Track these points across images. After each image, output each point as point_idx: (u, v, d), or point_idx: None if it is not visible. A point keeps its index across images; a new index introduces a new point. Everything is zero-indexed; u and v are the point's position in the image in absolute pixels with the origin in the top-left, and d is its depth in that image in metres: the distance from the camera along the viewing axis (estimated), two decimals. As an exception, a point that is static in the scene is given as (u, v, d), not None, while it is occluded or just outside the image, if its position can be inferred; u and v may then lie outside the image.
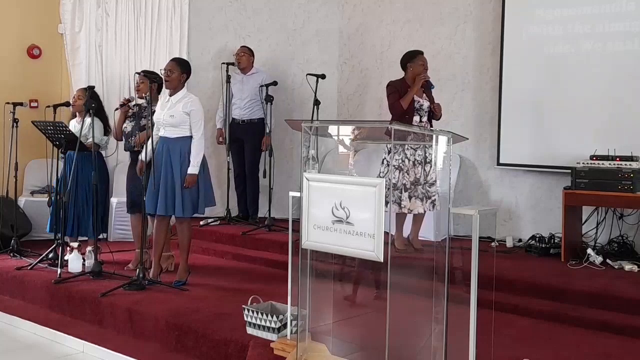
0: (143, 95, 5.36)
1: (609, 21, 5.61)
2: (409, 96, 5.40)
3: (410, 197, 5.23)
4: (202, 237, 6.54)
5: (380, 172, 5.42)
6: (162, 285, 4.98)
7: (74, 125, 5.81)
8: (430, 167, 5.21)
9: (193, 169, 4.94)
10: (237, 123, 6.92)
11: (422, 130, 4.62)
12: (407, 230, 5.54)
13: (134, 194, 5.47)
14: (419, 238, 5.54)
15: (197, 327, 4.09)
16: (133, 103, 5.54)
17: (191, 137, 5.00)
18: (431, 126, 5.53)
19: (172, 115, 4.97)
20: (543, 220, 6.02)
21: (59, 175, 5.86)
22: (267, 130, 6.73)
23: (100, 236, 6.03)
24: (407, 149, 5.19)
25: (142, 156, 5.12)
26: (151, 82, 5.16)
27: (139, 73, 5.37)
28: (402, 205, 5.21)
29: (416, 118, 5.45)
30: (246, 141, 6.86)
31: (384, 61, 7.06)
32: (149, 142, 5.00)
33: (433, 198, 5.22)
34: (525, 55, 6.06)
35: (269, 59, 7.38)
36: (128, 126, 5.60)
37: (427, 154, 5.22)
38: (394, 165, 5.21)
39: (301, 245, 3.24)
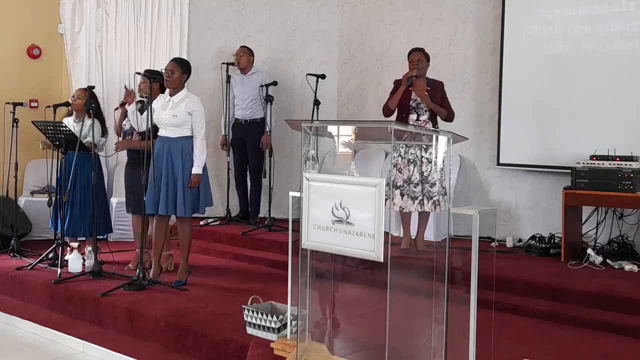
0: (144, 95, 5.37)
1: (609, 21, 5.61)
2: (395, 96, 5.42)
3: (402, 195, 5.20)
4: (202, 237, 6.54)
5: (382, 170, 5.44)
6: (162, 285, 4.98)
7: (71, 125, 5.79)
8: (431, 167, 5.19)
9: (197, 168, 4.97)
10: (240, 123, 6.93)
11: (421, 129, 4.61)
12: (413, 231, 5.51)
13: (131, 194, 5.48)
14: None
15: (197, 327, 4.09)
16: (136, 100, 5.54)
17: (192, 137, 5.01)
18: (433, 125, 5.48)
19: (174, 115, 4.97)
20: (543, 220, 6.02)
21: (57, 175, 5.85)
22: (267, 130, 6.74)
23: (103, 235, 6.04)
24: (402, 146, 5.18)
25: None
26: (151, 82, 5.15)
27: (139, 73, 5.38)
28: (394, 203, 5.19)
29: (413, 116, 5.43)
30: (248, 141, 6.86)
31: (384, 61, 7.07)
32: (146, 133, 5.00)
33: (435, 199, 5.18)
34: (525, 55, 6.06)
35: (269, 59, 7.38)
36: (127, 124, 5.60)
37: (424, 154, 5.20)
38: (392, 163, 5.22)
39: (301, 245, 3.24)
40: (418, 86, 5.38)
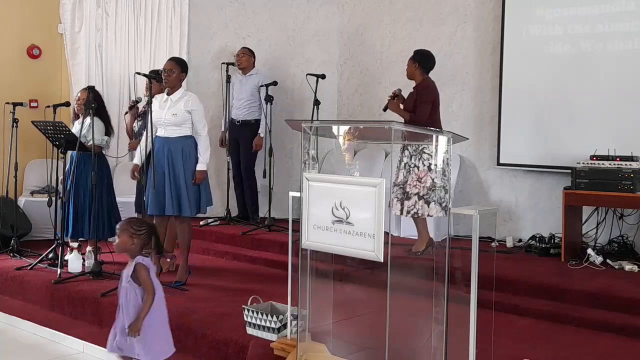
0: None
1: (609, 21, 5.61)
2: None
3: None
4: (202, 237, 6.53)
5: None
6: (161, 286, 4.96)
7: (77, 128, 5.76)
8: (400, 168, 5.18)
9: (202, 165, 5.00)
10: (235, 123, 6.93)
11: (422, 129, 4.60)
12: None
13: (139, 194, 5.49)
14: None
15: (197, 327, 4.09)
16: (144, 103, 5.54)
17: (191, 136, 5.02)
18: None
19: (174, 114, 4.98)
20: (543, 220, 6.02)
21: (59, 175, 5.84)
22: (260, 131, 6.74)
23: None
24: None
25: (136, 159, 5.14)
26: (159, 82, 5.16)
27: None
28: None
29: None
30: (241, 142, 6.86)
31: (384, 61, 7.06)
32: (145, 142, 4.99)
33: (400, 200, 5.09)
34: (525, 56, 6.05)
35: (269, 59, 7.38)
36: (136, 126, 5.62)
37: (400, 156, 5.19)
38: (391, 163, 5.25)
39: (301, 245, 3.24)
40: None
